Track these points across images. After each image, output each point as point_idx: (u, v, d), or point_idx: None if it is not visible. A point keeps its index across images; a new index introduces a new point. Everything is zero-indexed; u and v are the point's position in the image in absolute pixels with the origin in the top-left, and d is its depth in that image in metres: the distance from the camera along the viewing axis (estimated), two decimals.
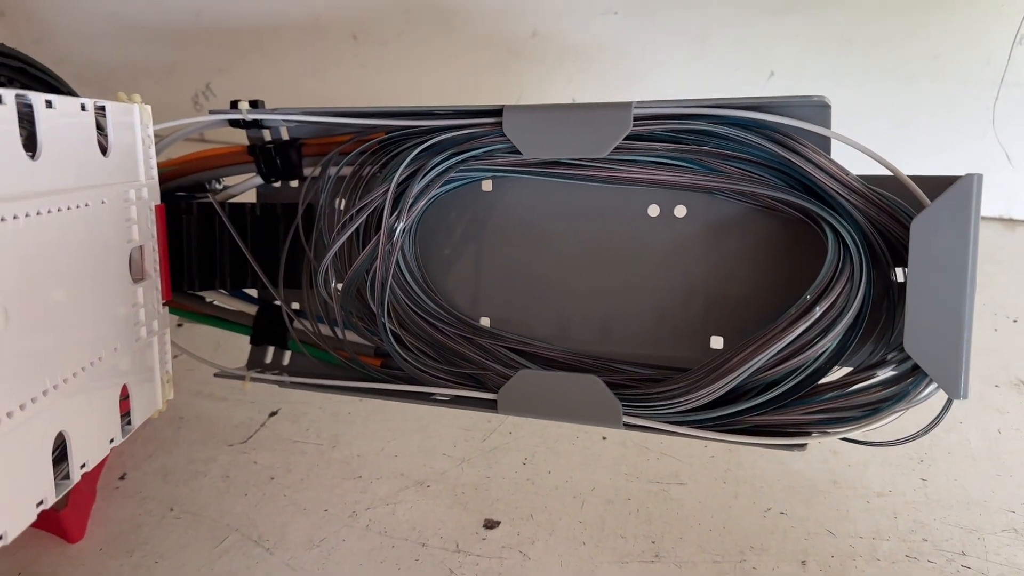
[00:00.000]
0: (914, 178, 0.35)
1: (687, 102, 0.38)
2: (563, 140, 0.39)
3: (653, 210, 0.43)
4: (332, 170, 0.46)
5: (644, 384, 0.41)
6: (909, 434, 0.36)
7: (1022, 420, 0.53)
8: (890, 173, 0.36)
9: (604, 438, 0.53)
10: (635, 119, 0.38)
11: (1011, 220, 0.74)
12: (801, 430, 0.37)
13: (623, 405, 0.39)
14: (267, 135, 0.48)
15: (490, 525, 0.47)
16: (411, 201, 0.42)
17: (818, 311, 0.35)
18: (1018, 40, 0.66)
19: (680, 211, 0.42)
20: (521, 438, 0.53)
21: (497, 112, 0.40)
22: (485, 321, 0.47)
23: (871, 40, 0.69)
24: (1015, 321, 0.63)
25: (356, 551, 0.45)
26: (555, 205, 0.44)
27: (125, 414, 0.40)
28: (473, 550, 0.45)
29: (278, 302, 0.48)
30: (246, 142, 0.49)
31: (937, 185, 0.34)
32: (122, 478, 0.51)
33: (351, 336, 0.47)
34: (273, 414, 0.56)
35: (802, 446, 0.37)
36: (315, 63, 0.84)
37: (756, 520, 0.46)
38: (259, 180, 0.49)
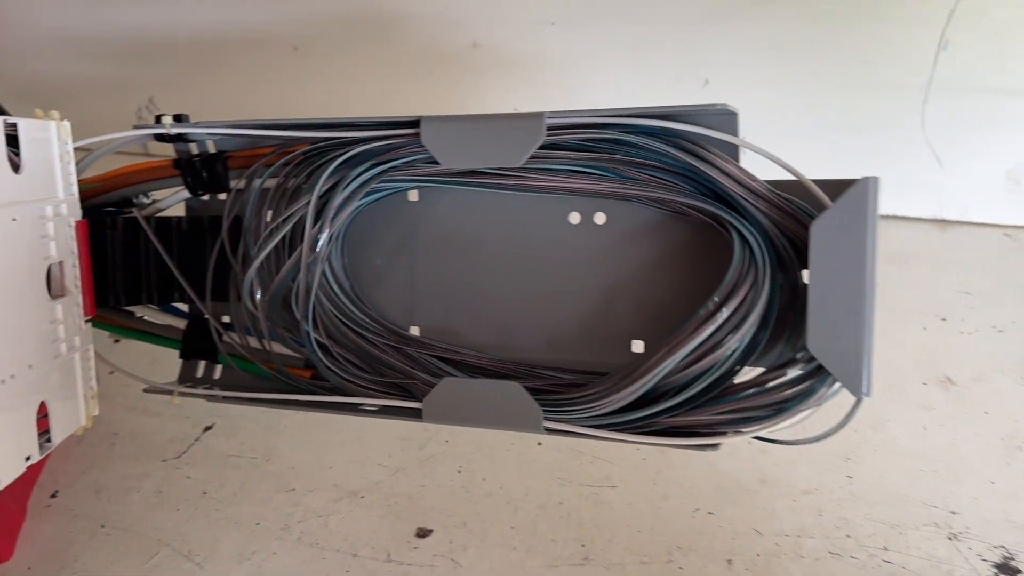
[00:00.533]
0: (819, 182, 0.36)
1: (598, 112, 0.38)
2: (479, 150, 0.40)
3: (574, 218, 0.43)
4: (257, 182, 0.46)
5: (566, 389, 0.41)
6: (821, 432, 0.37)
7: (947, 416, 0.55)
8: (792, 177, 0.37)
9: (539, 444, 0.53)
10: (548, 129, 0.39)
11: (942, 221, 0.76)
12: (714, 430, 0.38)
13: (544, 410, 0.40)
14: (194, 148, 0.48)
15: (422, 534, 0.47)
16: (333, 212, 0.43)
17: (725, 313, 0.36)
18: (942, 46, 0.68)
19: (600, 218, 0.43)
20: (457, 446, 0.53)
21: (415, 123, 0.41)
22: (415, 330, 0.47)
23: (803, 48, 0.70)
24: (944, 320, 0.64)
25: (287, 563, 0.45)
26: (480, 214, 0.45)
27: (45, 431, 0.40)
28: (405, 559, 0.45)
29: (206, 316, 0.48)
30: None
31: (841, 188, 0.35)
32: (54, 496, 0.51)
33: (282, 348, 0.47)
34: (208, 428, 0.56)
35: (715, 446, 0.37)
36: (257, 75, 0.84)
37: (685, 520, 0.47)
38: (187, 194, 0.49)
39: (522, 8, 0.74)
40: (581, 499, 0.49)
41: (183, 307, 0.51)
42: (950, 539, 0.45)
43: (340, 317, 0.46)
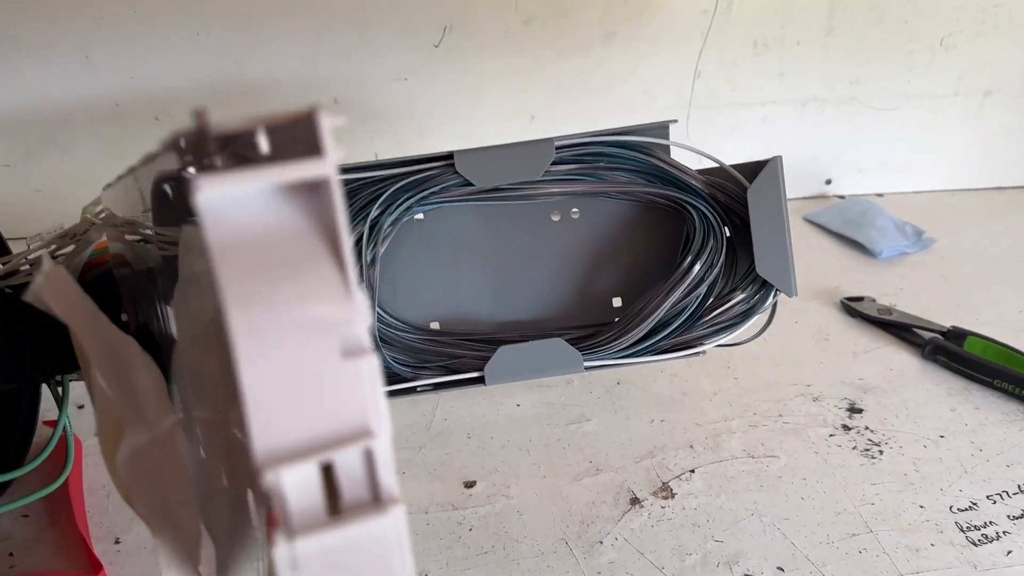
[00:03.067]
0: (733, 166, 0.55)
1: (589, 133, 0.54)
2: (506, 169, 0.53)
3: (555, 216, 0.58)
4: None
5: (583, 340, 0.56)
6: (759, 330, 0.56)
7: (774, 329, 0.78)
8: (716, 164, 0.55)
9: (518, 405, 0.67)
10: (555, 148, 0.53)
11: None
12: (701, 342, 0.55)
13: (582, 353, 0.54)
14: None
15: (469, 485, 0.58)
16: (384, 234, 0.53)
17: (697, 267, 0.54)
18: (696, 75, 0.93)
19: (575, 213, 0.58)
20: (456, 420, 0.65)
21: (447, 156, 0.53)
22: (435, 325, 0.58)
23: (602, 85, 0.91)
24: None
25: None
26: (477, 225, 0.58)
27: None
28: (467, 504, 0.56)
29: None
30: None
31: (744, 169, 0.55)
32: None
33: None
34: None
35: (703, 352, 0.55)
36: (112, 151, 0.86)
37: (648, 429, 0.63)
38: None
39: (377, 67, 0.86)
40: (571, 434, 0.63)
41: None
42: (814, 401, 0.67)
43: (380, 324, 0.56)
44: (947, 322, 0.75)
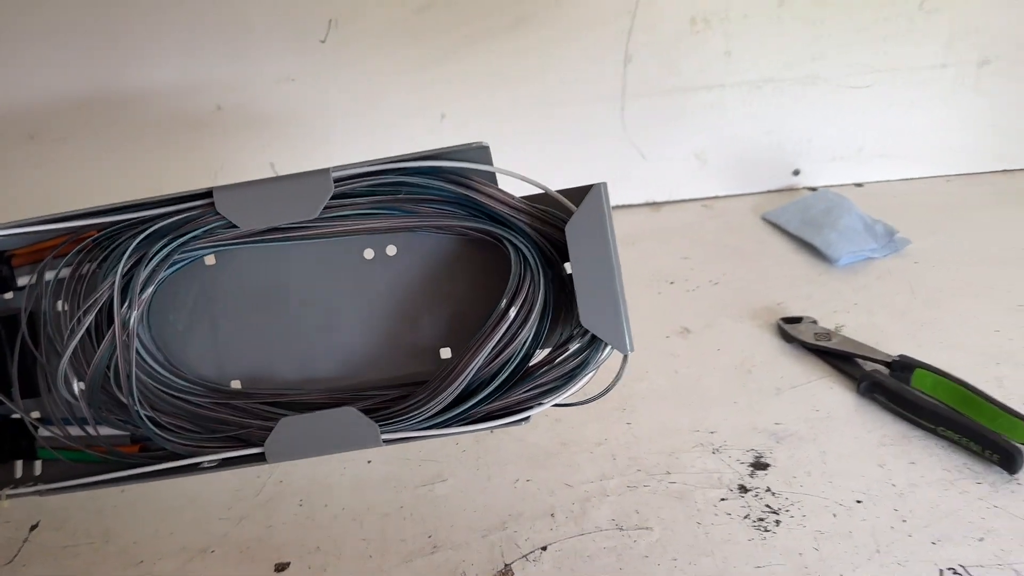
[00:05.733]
0: (562, 191, 0.45)
1: (376, 161, 0.45)
2: (275, 209, 0.44)
3: (368, 253, 0.49)
4: (50, 274, 0.47)
5: (394, 403, 0.47)
6: (602, 390, 0.46)
7: (691, 359, 0.67)
8: (540, 189, 0.45)
9: (369, 462, 0.58)
10: (336, 181, 0.44)
11: (654, 203, 0.91)
12: (523, 407, 0.45)
13: (379, 425, 0.45)
14: None
15: (281, 567, 0.50)
16: (139, 289, 0.45)
17: (512, 312, 0.44)
18: (627, 59, 0.81)
19: (391, 250, 0.49)
20: (292, 483, 0.57)
21: (207, 194, 0.45)
22: (236, 384, 0.50)
23: (518, 77, 0.81)
24: (672, 283, 0.78)
25: None
26: (278, 265, 0.49)
27: None
28: None
29: (17, 415, 0.48)
30: None
31: (580, 193, 0.44)
32: None
33: (103, 429, 0.49)
34: (34, 527, 0.55)
35: (526, 419, 0.45)
36: None
37: (509, 491, 0.54)
38: None
39: (262, 68, 0.78)
40: (418, 499, 0.55)
41: None
42: (714, 452, 0.56)
43: (160, 388, 0.48)
44: (903, 346, 0.63)
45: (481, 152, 0.45)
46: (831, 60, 0.84)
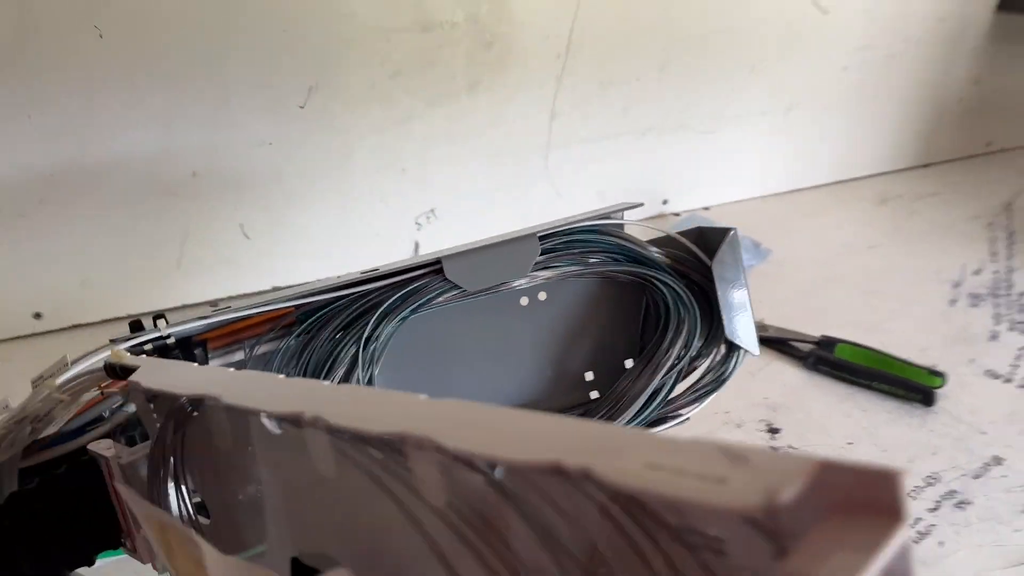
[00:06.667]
0: (682, 233, 0.59)
1: (565, 221, 0.54)
2: (494, 272, 0.52)
3: (524, 300, 0.58)
4: (261, 349, 0.50)
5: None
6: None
7: None
8: (662, 234, 0.58)
9: None
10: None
11: None
12: (679, 413, 0.58)
13: None
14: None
15: None
16: (379, 354, 0.50)
17: (680, 341, 0.56)
18: (552, 116, 0.95)
19: (542, 296, 0.58)
20: None
21: (436, 262, 0.51)
22: None
23: (469, 132, 0.91)
24: None
25: None
26: (451, 323, 0.56)
27: None
28: None
29: None
30: None
31: (698, 235, 0.58)
32: None
33: None
34: None
35: (687, 419, 0.58)
36: None
37: None
38: None
39: (239, 134, 0.79)
40: None
41: None
42: (738, 427, 0.73)
43: None
44: (804, 330, 0.85)
45: (619, 213, 0.57)
46: (694, 111, 1.05)
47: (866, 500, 0.17)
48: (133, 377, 0.36)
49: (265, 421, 0.33)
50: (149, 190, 0.77)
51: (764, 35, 1.04)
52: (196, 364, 0.48)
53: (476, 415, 0.24)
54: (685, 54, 1.00)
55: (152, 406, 0.40)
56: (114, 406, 0.46)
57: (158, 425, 0.41)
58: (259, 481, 0.35)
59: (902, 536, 0.17)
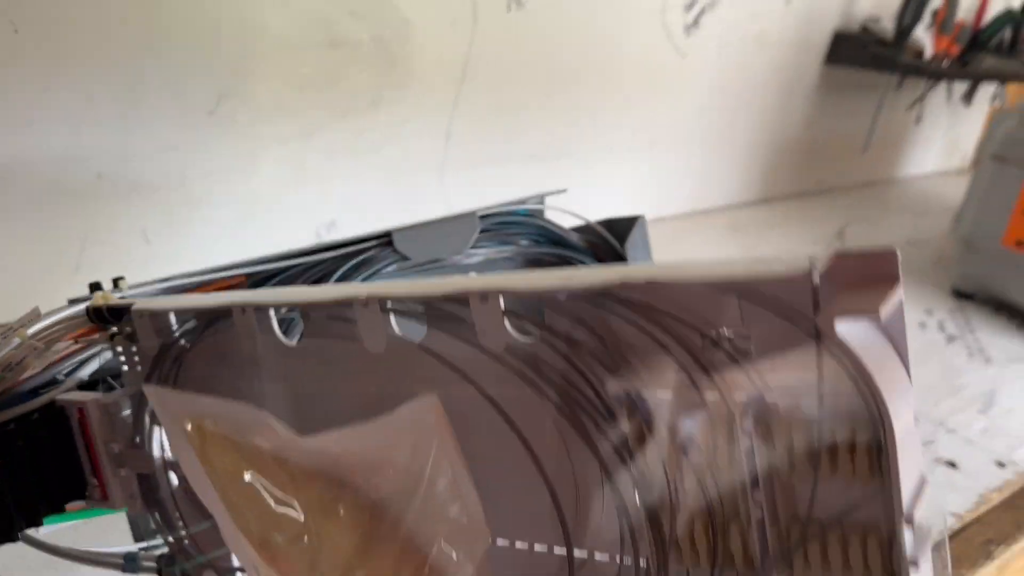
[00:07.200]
0: (601, 222, 0.65)
1: (500, 205, 0.59)
2: (439, 245, 0.56)
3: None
4: None
5: None
6: None
7: None
8: (582, 222, 0.65)
9: None
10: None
11: None
12: None
13: None
14: None
15: None
16: None
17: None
18: (448, 137, 1.01)
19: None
20: None
21: (386, 234, 0.55)
22: None
23: (368, 149, 0.95)
24: None
25: None
26: None
27: None
28: None
29: None
30: None
31: (608, 224, 0.65)
32: None
33: None
34: None
35: None
36: None
37: None
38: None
39: (147, 136, 0.79)
40: None
41: None
42: None
43: None
44: None
45: (556, 196, 0.63)
46: (573, 141, 1.14)
47: (873, 274, 0.23)
48: (137, 306, 0.38)
49: (283, 334, 0.35)
50: (52, 190, 0.75)
51: (632, 74, 1.15)
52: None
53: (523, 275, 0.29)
54: (566, 87, 1.09)
55: (135, 349, 0.41)
56: (72, 365, 0.46)
57: (139, 368, 0.42)
58: (263, 406, 0.37)
59: (899, 294, 0.23)
